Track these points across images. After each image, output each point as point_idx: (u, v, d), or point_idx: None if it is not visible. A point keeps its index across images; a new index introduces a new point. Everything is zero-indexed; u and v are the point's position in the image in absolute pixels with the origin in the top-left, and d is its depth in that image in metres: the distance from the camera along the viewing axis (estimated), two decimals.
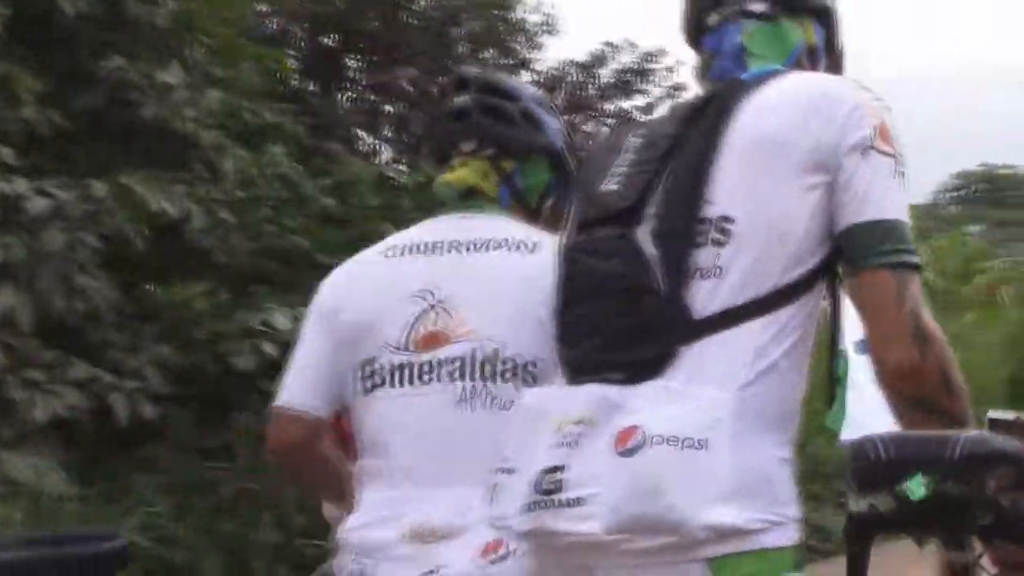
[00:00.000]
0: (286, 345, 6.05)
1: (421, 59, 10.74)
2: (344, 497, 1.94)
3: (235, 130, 7.01)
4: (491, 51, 11.29)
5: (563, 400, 1.48)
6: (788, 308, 1.45)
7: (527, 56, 11.41)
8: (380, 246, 1.99)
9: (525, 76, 11.48)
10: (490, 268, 1.85)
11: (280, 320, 5.84)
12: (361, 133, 10.83)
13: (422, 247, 1.92)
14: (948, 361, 1.45)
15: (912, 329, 1.43)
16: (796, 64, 1.68)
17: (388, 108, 11.06)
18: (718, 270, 1.45)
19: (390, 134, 10.99)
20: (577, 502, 1.40)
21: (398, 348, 1.85)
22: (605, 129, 11.24)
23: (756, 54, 1.67)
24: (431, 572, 1.72)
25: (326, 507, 2.45)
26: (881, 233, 1.45)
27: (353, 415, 1.92)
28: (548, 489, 1.42)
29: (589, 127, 11.13)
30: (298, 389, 1.92)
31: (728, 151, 1.48)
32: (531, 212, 2.02)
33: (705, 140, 1.49)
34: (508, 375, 1.77)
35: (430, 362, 1.82)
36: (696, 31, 1.75)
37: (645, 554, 1.39)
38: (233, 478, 5.67)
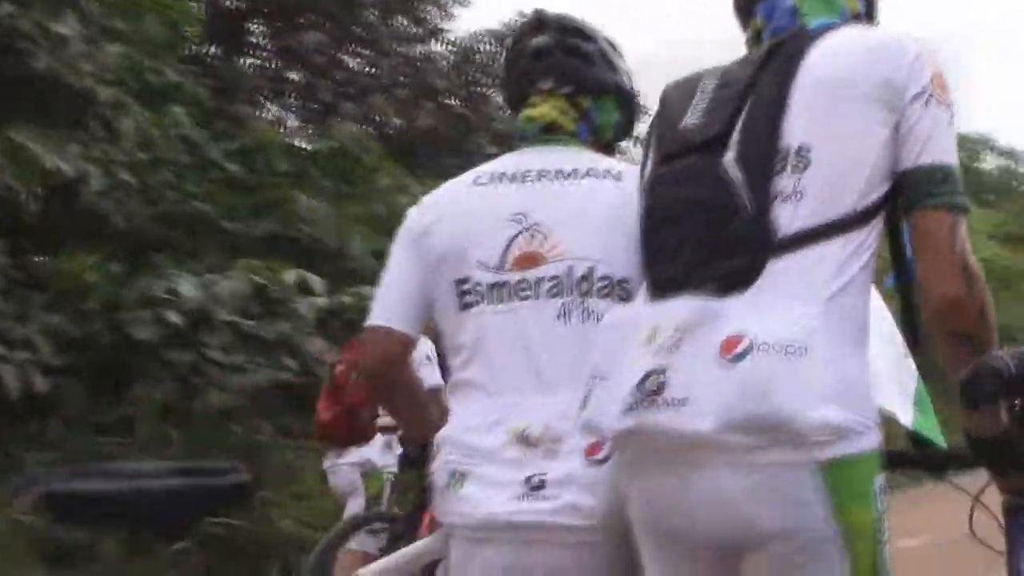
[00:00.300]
0: (193, 314, 5.90)
1: (328, 26, 10.41)
2: (423, 422, 2.08)
3: (135, 88, 6.64)
4: (401, 19, 11.01)
5: (656, 312, 1.59)
6: (863, 230, 1.59)
7: (438, 25, 11.16)
8: (468, 175, 2.08)
9: (436, 46, 11.25)
10: (580, 194, 1.95)
11: (186, 287, 5.55)
12: (265, 100, 10.44)
13: (510, 175, 2.02)
14: (986, 298, 1.60)
15: (961, 266, 1.59)
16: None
17: (294, 75, 10.68)
18: (798, 194, 1.57)
19: (296, 101, 10.61)
20: (682, 402, 1.50)
21: (493, 268, 1.97)
22: None
23: (807, 13, 1.79)
24: (535, 475, 1.83)
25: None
26: (940, 176, 1.60)
27: (446, 330, 2.02)
28: (652, 390, 1.52)
29: (500, 99, 10.93)
30: (389, 308, 2.02)
31: (799, 88, 1.61)
32: (605, 147, 2.13)
33: (779, 78, 1.63)
34: (603, 291, 1.89)
35: (527, 280, 1.95)
36: (749, 1, 1.89)
37: (754, 455, 1.49)
38: (131, 454, 5.37)
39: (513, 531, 1.85)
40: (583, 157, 2.02)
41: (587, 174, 1.96)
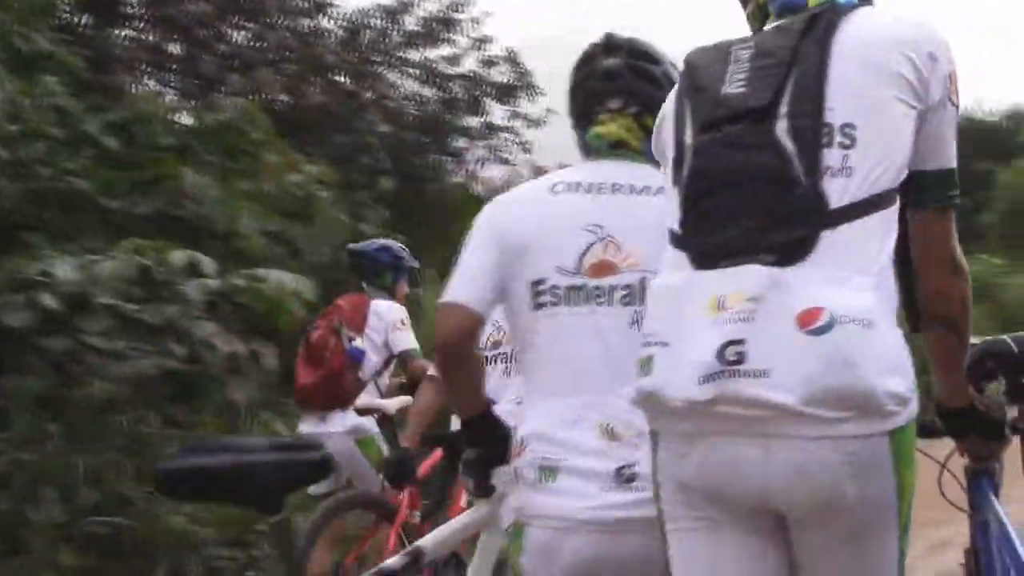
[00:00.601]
0: (70, 297, 5.50)
1: None
2: (477, 399, 2.26)
3: (2, 55, 6.15)
4: None
5: (714, 279, 1.63)
6: (892, 207, 1.67)
7: None
8: (544, 182, 2.24)
9: (323, 20, 10.86)
10: (651, 209, 2.01)
11: (62, 269, 5.13)
12: (143, 73, 9.90)
13: (586, 186, 2.17)
14: (969, 290, 1.81)
15: (951, 258, 1.78)
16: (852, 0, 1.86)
17: (174, 47, 10.16)
18: (847, 170, 1.63)
19: (176, 75, 10.10)
20: (764, 373, 1.55)
21: (570, 272, 2.11)
22: (410, 80, 10.82)
23: None
24: (625, 467, 1.99)
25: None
26: (947, 179, 1.77)
27: (519, 327, 2.20)
28: (732, 360, 1.56)
29: (392, 76, 10.67)
30: (467, 288, 2.15)
31: (835, 65, 1.67)
32: None
33: (818, 53, 1.67)
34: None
35: (601, 287, 2.09)
36: None
37: (835, 427, 1.56)
38: (6, 448, 4.97)
39: (606, 522, 2.00)
40: (652, 173, 2.11)
41: (658, 191, 2.01)
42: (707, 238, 1.68)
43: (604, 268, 2.10)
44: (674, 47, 2.21)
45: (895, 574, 1.71)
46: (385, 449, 4.77)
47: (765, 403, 1.56)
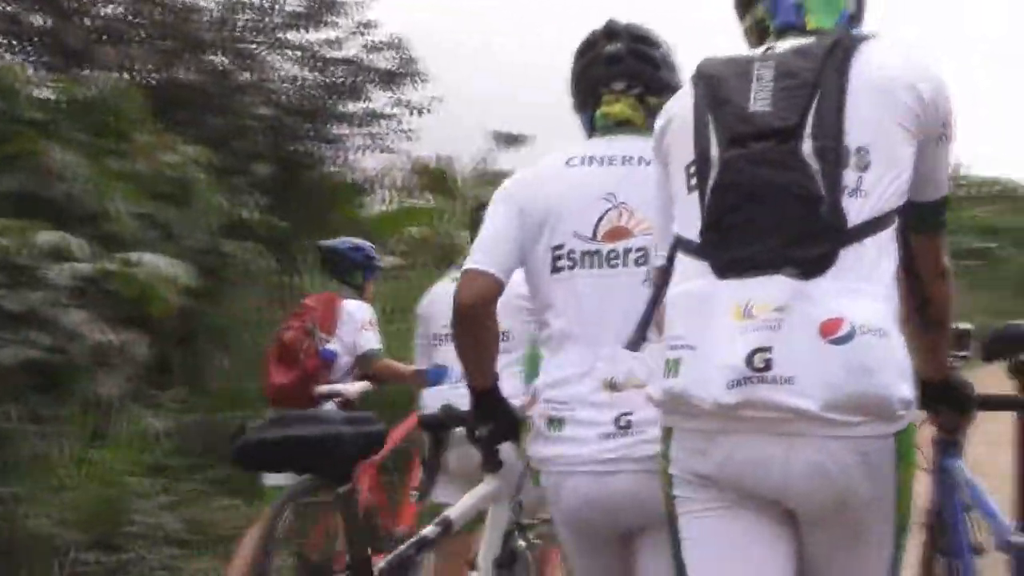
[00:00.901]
0: None
1: None
2: (489, 367, 2.43)
3: None
4: None
5: (740, 288, 1.73)
6: (895, 225, 1.80)
7: None
8: (559, 156, 2.41)
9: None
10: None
11: None
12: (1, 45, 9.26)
13: (599, 159, 2.36)
14: (953, 293, 2.09)
15: (945, 271, 2.04)
16: (847, 24, 2.01)
17: (36, 18, 9.53)
18: (862, 192, 1.76)
19: (38, 48, 9.47)
20: (788, 380, 1.67)
21: (587, 238, 2.29)
22: (290, 63, 10.43)
23: (811, 10, 2.00)
24: (624, 414, 2.18)
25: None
26: (940, 205, 1.99)
27: (540, 289, 2.36)
28: (759, 367, 1.67)
29: (271, 58, 10.26)
30: (489, 256, 2.31)
31: (852, 91, 1.78)
32: None
33: (838, 79, 1.79)
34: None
35: (616, 250, 2.28)
36: None
37: (851, 429, 1.69)
38: None
39: (600, 465, 2.20)
40: None
41: None
42: (733, 250, 1.77)
43: (619, 233, 2.28)
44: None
45: (889, 571, 1.84)
46: None
47: (789, 408, 1.67)
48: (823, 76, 1.79)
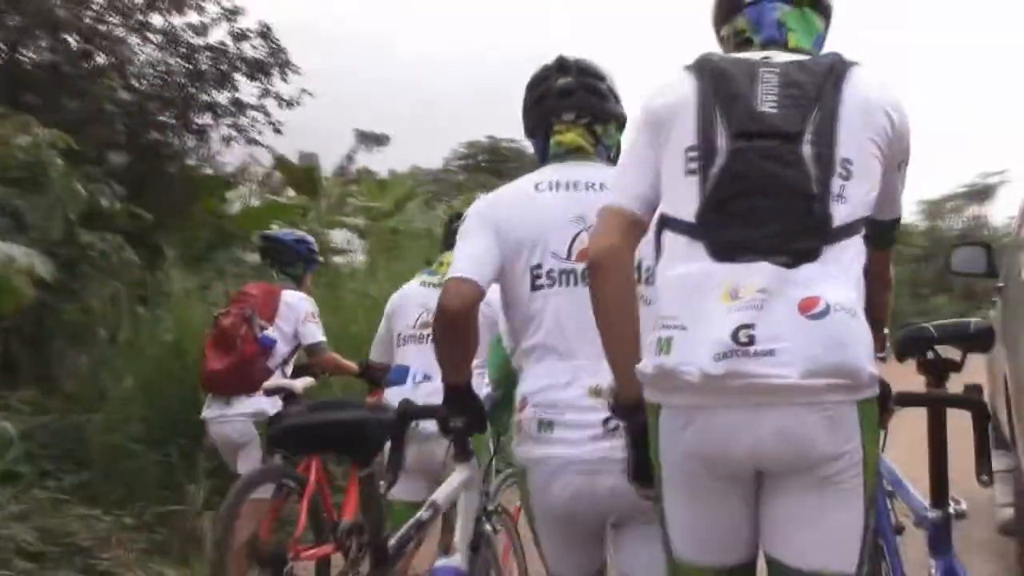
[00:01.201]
0: None
1: None
2: (467, 368, 2.60)
3: None
4: None
5: (732, 272, 1.90)
6: (861, 234, 2.01)
7: None
8: (526, 182, 2.65)
9: None
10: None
11: None
12: None
13: (565, 184, 2.58)
14: (891, 301, 2.54)
15: (889, 281, 2.46)
16: (819, 46, 2.27)
17: None
18: (844, 197, 1.96)
19: None
20: (770, 353, 1.83)
21: (562, 258, 2.51)
22: (152, 48, 9.87)
23: (793, 29, 2.23)
24: (610, 419, 2.27)
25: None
26: (895, 225, 2.29)
27: (519, 305, 2.56)
28: (743, 342, 1.83)
29: (133, 39, 9.67)
30: (471, 265, 2.48)
31: (845, 108, 1.99)
32: (613, 163, 2.62)
33: (834, 95, 2.00)
34: (648, 280, 2.27)
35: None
36: (733, 5, 2.27)
37: (819, 395, 1.87)
38: None
39: (589, 464, 2.39)
40: (611, 173, 2.41)
41: None
42: (731, 234, 1.93)
43: (585, 255, 2.29)
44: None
45: (859, 534, 1.96)
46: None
47: (770, 377, 1.84)
48: (823, 92, 1.99)
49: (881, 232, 2.19)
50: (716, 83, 2.03)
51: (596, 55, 2.73)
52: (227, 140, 10.16)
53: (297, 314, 5.12)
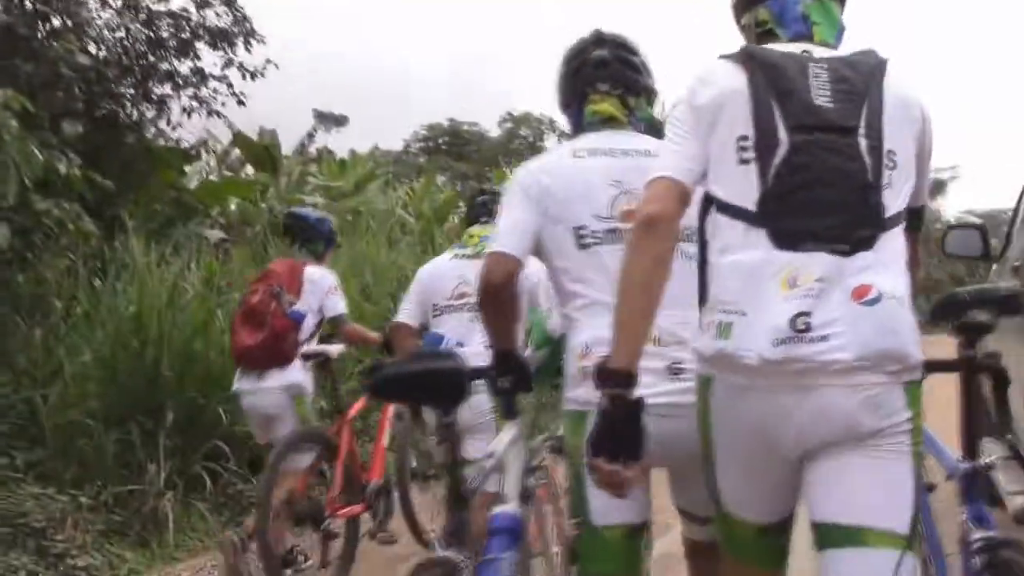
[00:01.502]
0: None
1: None
2: (514, 334, 2.83)
3: None
4: None
5: (791, 259, 2.03)
6: (904, 223, 2.15)
7: None
8: (566, 150, 2.83)
9: None
10: (654, 166, 2.28)
11: None
12: None
13: (603, 151, 2.77)
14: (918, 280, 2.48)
15: (919, 262, 2.51)
16: (840, 39, 2.34)
17: None
18: (891, 187, 2.09)
19: None
20: (824, 338, 1.98)
21: (605, 218, 2.71)
22: (111, 12, 9.48)
23: (817, 22, 2.30)
24: (674, 363, 2.55)
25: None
26: (923, 211, 2.37)
27: (568, 264, 2.74)
28: (800, 329, 1.99)
29: (91, 4, 9.24)
30: (510, 239, 2.69)
31: (887, 103, 2.12)
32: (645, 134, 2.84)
33: (879, 91, 2.13)
34: (689, 238, 2.43)
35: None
36: None
37: (869, 378, 1.99)
38: None
39: (656, 408, 2.35)
40: (647, 140, 2.78)
41: (657, 153, 2.36)
42: (795, 223, 2.02)
43: (630, 215, 2.45)
44: None
45: (910, 495, 2.05)
46: (311, 412, 5.40)
47: (823, 361, 1.96)
48: (869, 87, 2.10)
49: (911, 218, 2.25)
50: (768, 76, 2.11)
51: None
52: (188, 111, 9.77)
53: (321, 288, 5.33)
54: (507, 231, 2.70)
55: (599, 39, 2.88)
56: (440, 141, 39.24)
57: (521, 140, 39.72)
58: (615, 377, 2.09)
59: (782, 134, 2.06)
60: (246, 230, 11.44)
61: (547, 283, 3.23)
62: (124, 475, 6.26)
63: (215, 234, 10.50)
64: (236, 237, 11.02)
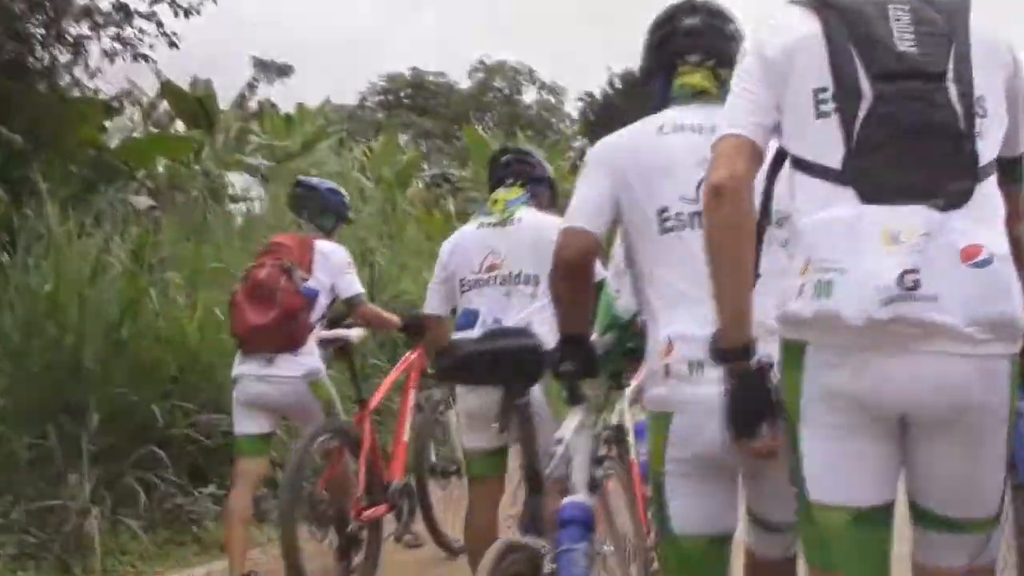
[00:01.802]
0: None
1: None
2: (588, 314, 2.88)
3: None
4: None
5: (889, 214, 1.97)
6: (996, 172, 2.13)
7: None
8: (650, 125, 2.76)
9: None
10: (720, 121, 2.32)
11: None
12: None
13: (690, 127, 2.69)
14: None
15: (1022, 216, 2.36)
16: None
17: None
18: (982, 135, 2.05)
19: None
20: (934, 298, 1.92)
21: (691, 200, 2.60)
22: None
23: None
24: (763, 356, 2.28)
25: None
26: (1021, 161, 2.31)
27: (647, 248, 2.69)
28: (909, 287, 1.91)
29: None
30: (586, 215, 2.70)
31: (974, 45, 2.09)
32: None
33: (965, 33, 2.09)
34: (780, 223, 2.36)
35: None
36: None
37: (979, 346, 1.94)
38: None
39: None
40: None
41: None
42: (886, 177, 1.98)
43: None
44: None
45: (1000, 484, 2.07)
46: (333, 390, 5.04)
47: (934, 324, 1.91)
48: (955, 29, 2.06)
49: (1009, 169, 2.20)
50: (846, 21, 2.08)
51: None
52: (109, 55, 8.77)
53: (334, 264, 5.02)
54: (580, 206, 2.70)
55: (692, 6, 2.82)
56: (402, 94, 37.05)
57: (495, 92, 37.27)
58: (730, 354, 2.15)
59: (864, 84, 2.03)
60: (178, 196, 10.53)
61: (619, 262, 3.12)
62: (40, 487, 5.72)
63: (143, 200, 9.82)
64: (167, 204, 10.14)
